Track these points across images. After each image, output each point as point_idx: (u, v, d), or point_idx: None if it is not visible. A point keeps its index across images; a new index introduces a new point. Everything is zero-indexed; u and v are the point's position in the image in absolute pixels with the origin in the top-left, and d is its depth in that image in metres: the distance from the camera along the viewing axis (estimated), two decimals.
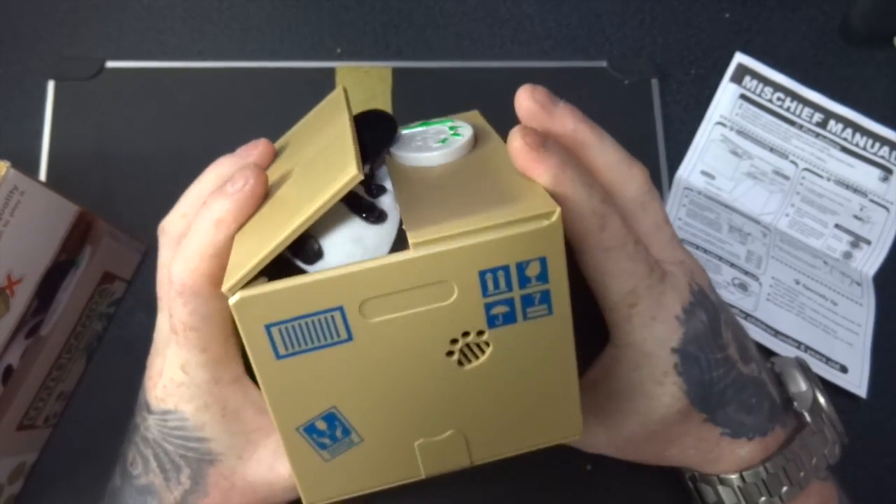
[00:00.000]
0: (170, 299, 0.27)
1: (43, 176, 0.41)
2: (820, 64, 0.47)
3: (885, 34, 0.47)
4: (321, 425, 0.25)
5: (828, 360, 0.41)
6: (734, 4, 0.48)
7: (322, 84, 0.44)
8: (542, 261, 0.23)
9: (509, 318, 0.24)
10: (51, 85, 0.43)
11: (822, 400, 0.33)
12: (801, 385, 0.33)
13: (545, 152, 0.24)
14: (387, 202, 0.26)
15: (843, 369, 0.41)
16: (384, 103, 0.44)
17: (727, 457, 0.30)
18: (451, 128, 0.30)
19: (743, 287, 0.42)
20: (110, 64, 0.43)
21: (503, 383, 0.25)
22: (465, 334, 0.24)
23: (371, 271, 0.23)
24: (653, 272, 0.27)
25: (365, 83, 0.44)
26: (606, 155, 0.28)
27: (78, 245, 0.34)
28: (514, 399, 0.25)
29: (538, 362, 0.25)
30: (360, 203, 0.26)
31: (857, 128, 0.46)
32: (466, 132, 0.29)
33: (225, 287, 0.23)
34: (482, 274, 0.23)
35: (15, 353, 0.32)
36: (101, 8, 0.45)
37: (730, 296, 0.41)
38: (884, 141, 0.46)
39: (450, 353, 0.24)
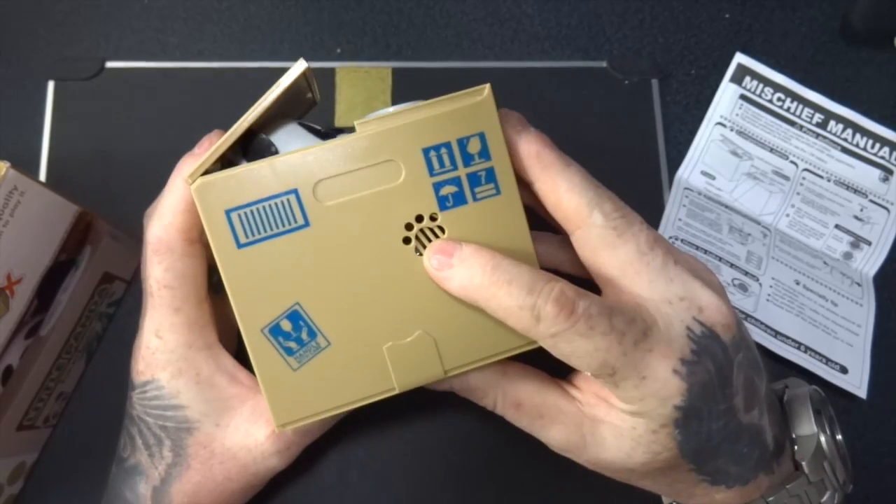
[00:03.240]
0: (147, 261, 0.28)
1: (43, 176, 0.41)
2: (820, 64, 0.47)
3: (885, 34, 0.47)
4: (286, 325, 0.26)
5: (828, 361, 0.41)
6: (734, 4, 0.48)
7: (322, 84, 0.44)
8: (482, 136, 0.25)
9: (459, 198, 0.26)
10: (51, 85, 0.43)
11: (825, 447, 0.30)
12: (808, 427, 0.30)
13: (532, 128, 0.26)
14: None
15: (843, 370, 0.41)
16: (384, 103, 0.44)
17: (700, 498, 0.29)
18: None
19: (743, 288, 0.42)
20: (110, 64, 0.43)
21: None
22: (420, 219, 0.26)
23: (320, 152, 0.25)
24: (624, 337, 0.25)
25: (365, 83, 0.44)
26: (571, 179, 0.26)
27: (78, 245, 0.34)
28: None
29: (494, 249, 0.26)
30: (315, 131, 0.28)
31: (857, 128, 0.46)
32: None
33: (186, 175, 0.25)
34: (426, 151, 0.25)
35: (15, 353, 0.32)
36: (101, 8, 0.45)
37: (730, 296, 0.41)
38: (884, 141, 0.46)
39: (406, 241, 0.26)
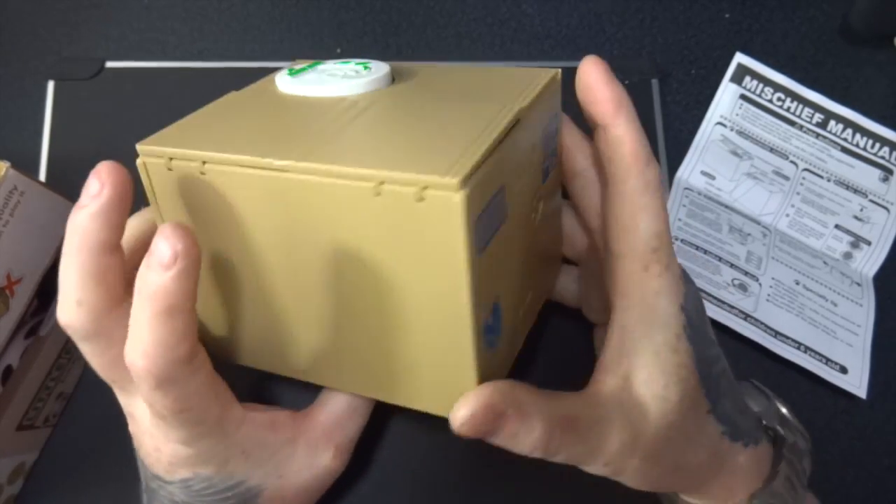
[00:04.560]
0: (145, 395, 0.24)
1: (43, 176, 0.41)
2: (820, 64, 0.47)
3: (885, 34, 0.47)
4: (490, 321, 0.24)
5: (827, 361, 0.41)
6: (734, 4, 0.48)
7: None
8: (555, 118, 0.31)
9: (546, 173, 0.29)
10: (51, 85, 0.43)
11: (784, 410, 0.31)
12: (763, 401, 0.32)
13: (616, 81, 0.27)
14: None
15: (843, 370, 0.41)
16: None
17: (729, 464, 0.28)
18: (359, 63, 0.29)
19: (743, 288, 0.42)
20: (110, 64, 0.43)
21: None
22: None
23: (505, 151, 0.23)
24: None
25: None
26: (640, 128, 0.27)
27: None
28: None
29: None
30: None
31: (857, 128, 0.46)
32: (378, 65, 0.29)
33: (448, 177, 0.20)
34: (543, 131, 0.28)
35: (14, 353, 0.32)
36: (101, 8, 0.45)
37: (729, 296, 0.41)
38: (884, 141, 0.46)
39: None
